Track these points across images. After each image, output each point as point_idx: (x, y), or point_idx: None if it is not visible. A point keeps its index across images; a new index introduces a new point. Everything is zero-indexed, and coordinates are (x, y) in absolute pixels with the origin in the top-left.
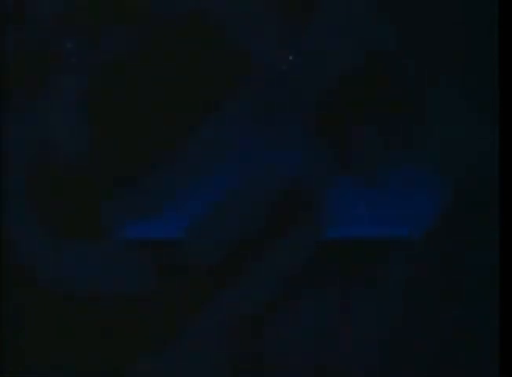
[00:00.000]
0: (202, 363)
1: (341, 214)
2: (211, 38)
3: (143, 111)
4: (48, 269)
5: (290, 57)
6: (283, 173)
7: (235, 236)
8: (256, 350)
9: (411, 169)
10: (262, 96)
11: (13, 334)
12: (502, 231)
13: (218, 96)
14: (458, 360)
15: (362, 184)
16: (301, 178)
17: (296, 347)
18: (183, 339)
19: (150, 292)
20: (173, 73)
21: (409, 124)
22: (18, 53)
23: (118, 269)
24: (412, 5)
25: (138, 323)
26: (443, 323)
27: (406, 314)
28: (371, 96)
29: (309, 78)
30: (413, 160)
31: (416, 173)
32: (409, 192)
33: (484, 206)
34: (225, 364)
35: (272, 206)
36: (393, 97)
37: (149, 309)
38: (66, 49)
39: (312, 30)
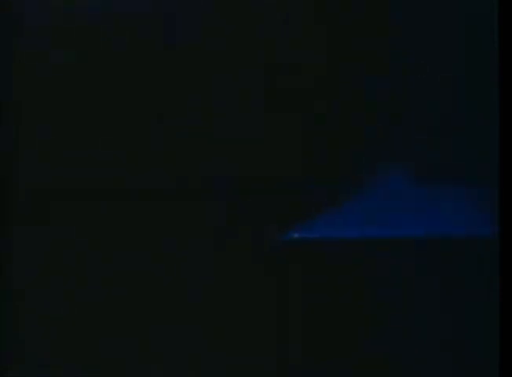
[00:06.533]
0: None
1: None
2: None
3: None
4: None
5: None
6: None
7: None
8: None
9: (411, 169)
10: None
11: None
12: (502, 230)
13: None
14: (459, 360)
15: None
16: None
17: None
18: None
19: None
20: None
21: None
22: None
23: None
24: (412, 3)
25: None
26: (443, 322)
27: (404, 313)
28: (370, 95)
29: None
30: (411, 160)
31: (416, 174)
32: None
33: (484, 205)
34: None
35: None
36: (392, 97)
37: None
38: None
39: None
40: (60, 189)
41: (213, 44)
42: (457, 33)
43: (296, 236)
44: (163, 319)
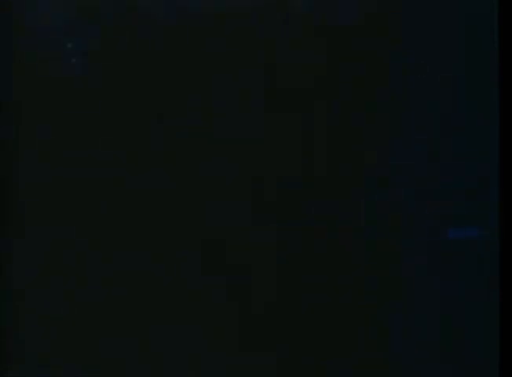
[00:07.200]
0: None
1: None
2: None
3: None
4: None
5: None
6: None
7: None
8: None
9: (411, 168)
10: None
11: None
12: (501, 230)
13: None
14: (459, 360)
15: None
16: None
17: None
18: None
19: None
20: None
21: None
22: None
23: None
24: (413, 3)
25: None
26: (443, 322)
27: (405, 314)
28: (371, 95)
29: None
30: (411, 159)
31: (414, 173)
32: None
33: (484, 205)
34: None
35: None
36: (392, 96)
37: None
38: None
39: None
40: (59, 189)
41: (214, 44)
42: (457, 33)
43: (470, 234)
44: (167, 319)
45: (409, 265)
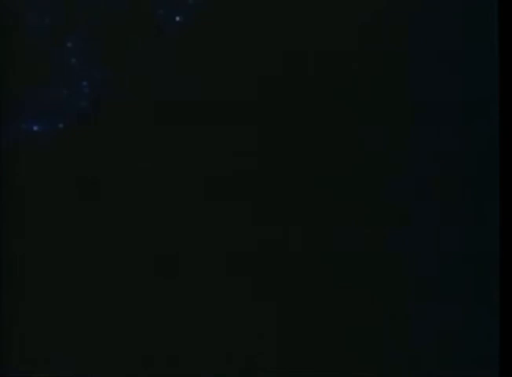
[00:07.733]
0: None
1: None
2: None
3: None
4: None
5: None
6: None
7: None
8: None
9: (411, 168)
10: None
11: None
12: (501, 229)
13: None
14: (459, 360)
15: None
16: None
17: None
18: None
19: None
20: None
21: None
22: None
23: None
24: (414, 3)
25: None
26: (443, 323)
27: (406, 314)
28: (371, 95)
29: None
30: (411, 159)
31: (414, 171)
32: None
33: (484, 204)
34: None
35: None
36: (392, 97)
37: None
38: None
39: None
40: (59, 189)
41: (214, 44)
42: (457, 33)
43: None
44: (168, 319)
45: (409, 264)
